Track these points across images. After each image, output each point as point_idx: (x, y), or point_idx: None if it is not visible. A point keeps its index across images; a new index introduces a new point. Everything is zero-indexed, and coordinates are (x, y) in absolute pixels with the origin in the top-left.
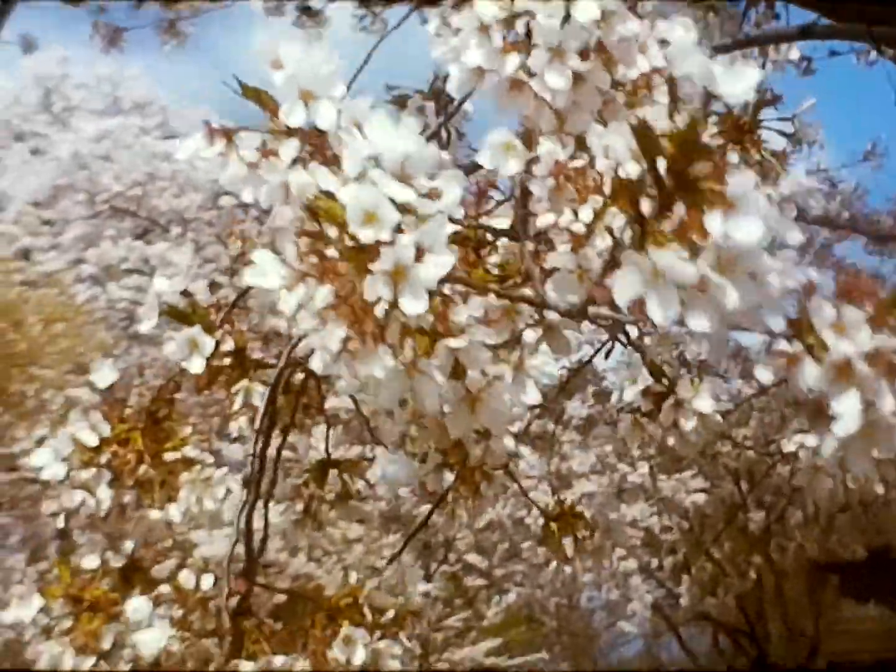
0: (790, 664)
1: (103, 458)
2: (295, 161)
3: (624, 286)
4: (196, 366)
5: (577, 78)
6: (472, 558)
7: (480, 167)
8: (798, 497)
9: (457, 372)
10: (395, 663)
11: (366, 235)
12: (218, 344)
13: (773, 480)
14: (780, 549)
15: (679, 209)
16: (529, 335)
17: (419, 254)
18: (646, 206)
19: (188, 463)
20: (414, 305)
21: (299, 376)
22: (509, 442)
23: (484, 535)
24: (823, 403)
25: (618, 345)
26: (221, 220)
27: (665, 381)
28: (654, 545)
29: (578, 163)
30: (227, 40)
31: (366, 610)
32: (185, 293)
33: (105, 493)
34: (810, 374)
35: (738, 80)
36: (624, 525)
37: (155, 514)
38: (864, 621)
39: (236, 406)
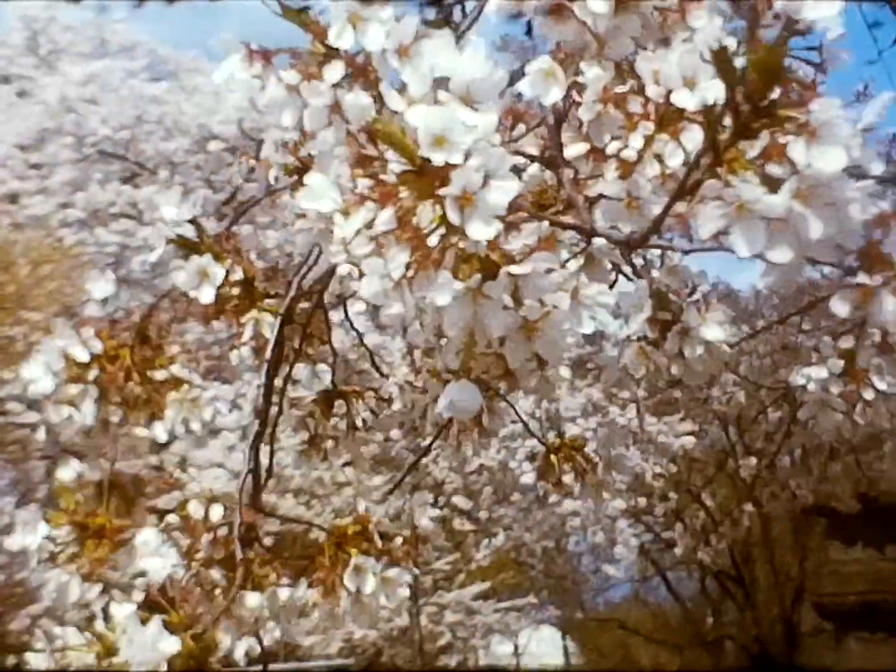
0: (776, 607)
1: (91, 375)
2: (336, 85)
3: (708, 219)
4: (206, 295)
5: (619, 2)
6: (461, 501)
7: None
8: (788, 444)
9: (514, 300)
10: (404, 591)
11: (437, 158)
12: (227, 273)
13: (764, 427)
14: (772, 496)
15: (760, 137)
16: (572, 266)
17: (485, 179)
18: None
19: (176, 382)
20: (483, 231)
21: (305, 306)
22: (565, 371)
23: (472, 478)
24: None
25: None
26: (209, 165)
27: (671, 309)
28: (642, 489)
29: (625, 89)
30: None
31: (375, 537)
32: (194, 222)
33: (90, 409)
34: (888, 307)
35: (823, 5)
36: (624, 461)
37: (140, 433)
38: (851, 563)
39: (246, 336)
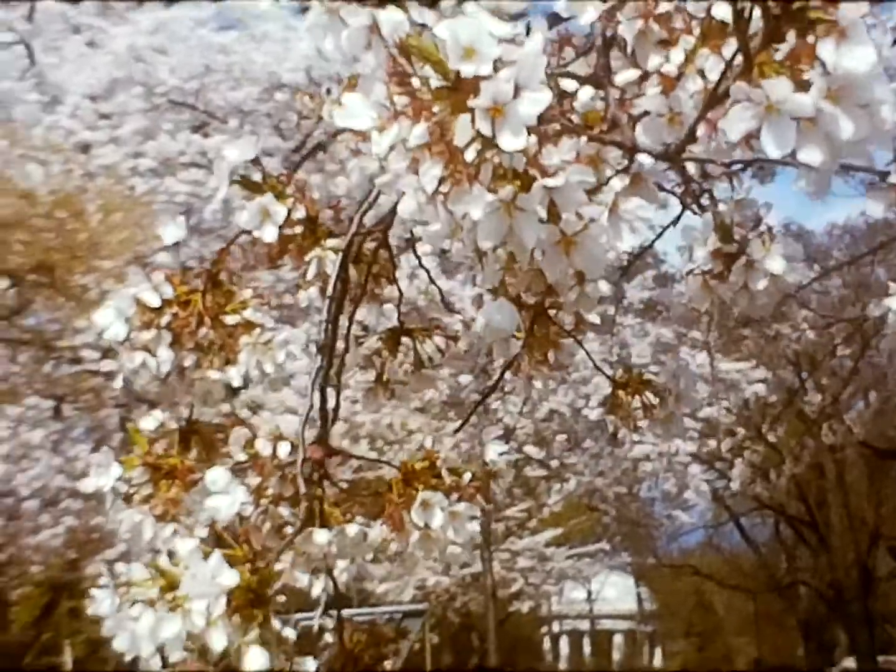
0: (851, 553)
1: (164, 320)
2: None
3: (737, 120)
4: (269, 234)
5: None
6: (532, 449)
7: (559, 18)
8: (855, 380)
9: (551, 215)
10: (474, 525)
11: (466, 70)
12: (289, 212)
13: (831, 363)
14: (831, 431)
15: (788, 38)
16: (616, 184)
17: (516, 90)
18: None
19: (248, 326)
20: (513, 142)
21: (370, 245)
22: (604, 286)
23: (543, 424)
24: None
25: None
26: (278, 113)
27: (735, 242)
28: (713, 433)
29: (666, 5)
30: None
31: (443, 473)
32: (256, 162)
33: (165, 354)
34: None
35: None
36: (693, 394)
37: (213, 376)
38: None
39: (310, 275)
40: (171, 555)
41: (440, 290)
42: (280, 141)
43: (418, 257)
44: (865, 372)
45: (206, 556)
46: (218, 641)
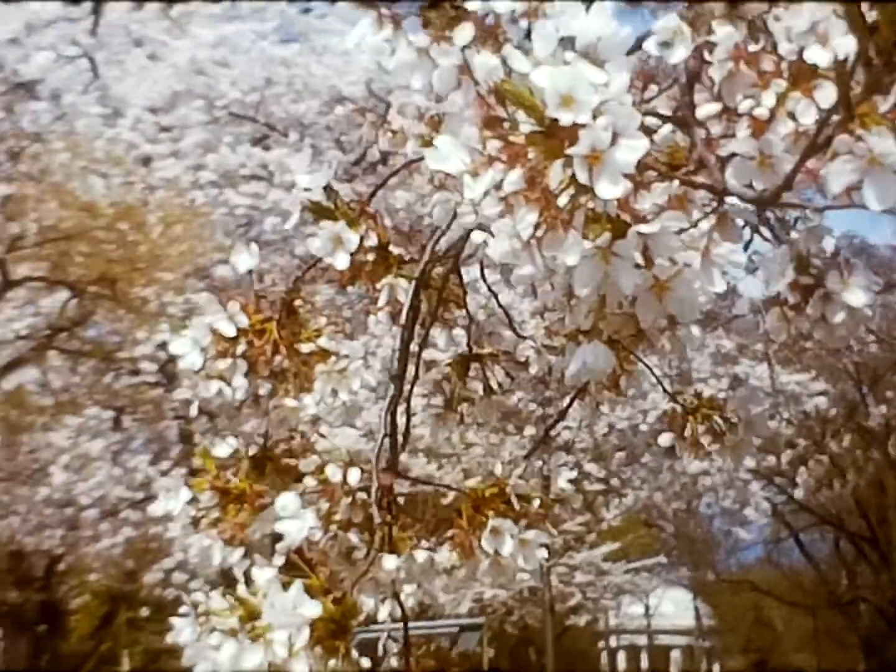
0: None
1: (239, 349)
2: (465, 47)
3: (839, 173)
4: (341, 261)
5: None
6: (591, 466)
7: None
8: None
9: (645, 260)
10: (541, 552)
11: (565, 118)
12: (362, 239)
13: (893, 377)
14: None
15: (893, 91)
16: (703, 226)
17: (613, 137)
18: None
19: (323, 354)
20: (611, 190)
21: (440, 271)
22: (696, 330)
23: (602, 439)
24: None
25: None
26: (339, 126)
27: (812, 273)
28: (774, 451)
29: (756, 48)
30: None
31: (513, 499)
32: (328, 188)
33: (240, 383)
34: None
35: None
36: (764, 421)
37: (289, 404)
38: None
39: (381, 301)
40: (247, 582)
41: (507, 313)
42: (340, 154)
43: (484, 279)
44: None
45: (285, 585)
46: None
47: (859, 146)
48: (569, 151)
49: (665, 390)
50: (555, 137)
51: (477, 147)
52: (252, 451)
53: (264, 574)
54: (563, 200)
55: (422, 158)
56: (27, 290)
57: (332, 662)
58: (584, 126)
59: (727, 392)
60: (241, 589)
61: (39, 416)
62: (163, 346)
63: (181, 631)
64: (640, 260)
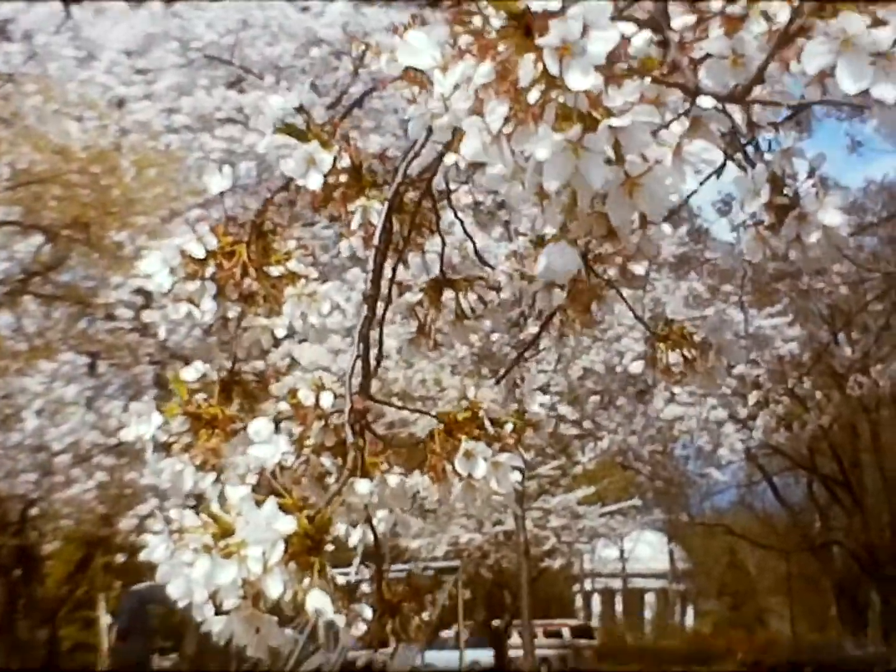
0: (885, 513)
1: (208, 271)
2: None
3: (813, 54)
4: (314, 182)
5: None
6: (565, 410)
7: None
8: (885, 336)
9: (615, 156)
10: (515, 476)
11: (535, 5)
12: (335, 161)
13: (863, 319)
14: (857, 384)
15: None
16: (675, 128)
17: (584, 29)
18: None
19: (293, 277)
20: (581, 81)
21: (413, 196)
22: (667, 228)
23: (577, 382)
24: None
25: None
26: (315, 69)
27: (788, 194)
28: (744, 393)
29: None
30: None
31: (486, 423)
32: (301, 109)
33: (209, 305)
34: None
35: None
36: (734, 347)
37: (261, 322)
38: None
39: (354, 224)
40: (221, 502)
41: (474, 244)
42: (315, 97)
43: (453, 209)
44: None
45: (259, 503)
46: (274, 588)
47: (833, 27)
48: (539, 42)
49: (636, 315)
50: (525, 30)
51: (448, 42)
52: (220, 374)
53: (238, 492)
54: (533, 95)
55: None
56: (1, 234)
57: (306, 579)
58: (554, 16)
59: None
60: (214, 506)
61: (13, 362)
62: (139, 291)
63: (154, 548)
64: (610, 154)
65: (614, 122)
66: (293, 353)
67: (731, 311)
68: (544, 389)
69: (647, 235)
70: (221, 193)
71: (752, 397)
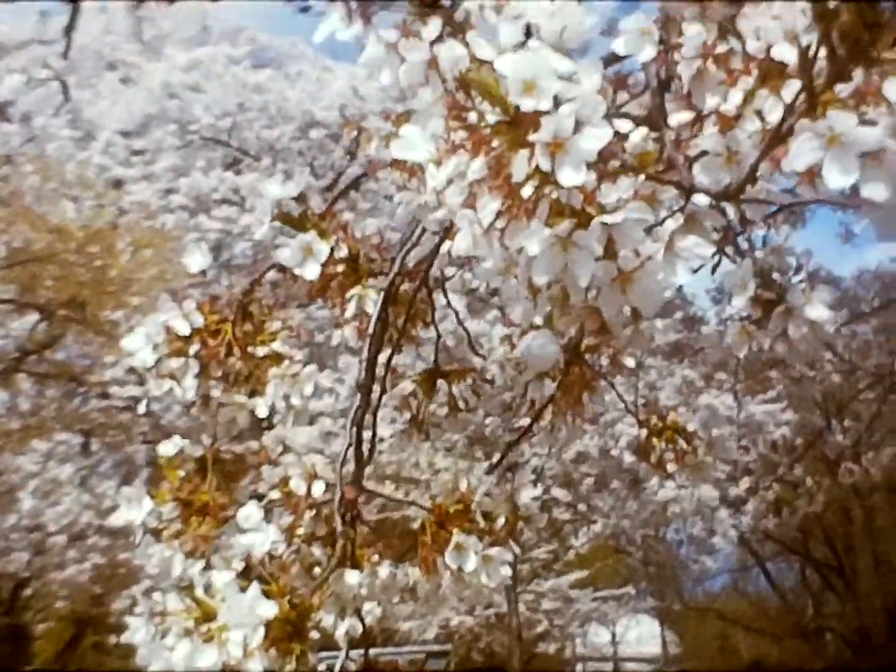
0: (878, 598)
1: (192, 349)
2: (433, 43)
3: (801, 152)
4: (311, 272)
5: None
6: (559, 492)
7: (616, 58)
8: (877, 424)
9: (608, 252)
10: (505, 570)
11: (526, 105)
12: (332, 250)
13: (855, 407)
14: (848, 472)
15: (856, 76)
16: (669, 224)
17: (577, 126)
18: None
19: (277, 358)
20: (572, 177)
21: (408, 287)
22: (658, 324)
23: (572, 466)
24: None
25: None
26: (312, 151)
27: (775, 289)
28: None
29: (724, 47)
30: None
31: (477, 516)
32: (300, 198)
33: (191, 383)
34: None
35: None
36: (725, 443)
37: (239, 400)
38: None
39: (349, 313)
40: (206, 588)
41: (467, 331)
42: (313, 179)
43: (447, 298)
44: (889, 416)
45: (243, 589)
46: None
47: (820, 125)
48: (531, 138)
49: (629, 410)
50: (518, 126)
51: (442, 136)
52: (198, 452)
53: (223, 577)
54: (527, 191)
55: (386, 165)
56: None
57: (288, 665)
58: (546, 113)
59: (693, 412)
60: (198, 591)
61: (7, 441)
62: (133, 370)
63: (135, 630)
64: (599, 251)
65: (607, 218)
66: (285, 438)
67: (724, 398)
68: (538, 472)
69: (640, 330)
70: (204, 272)
71: (744, 483)
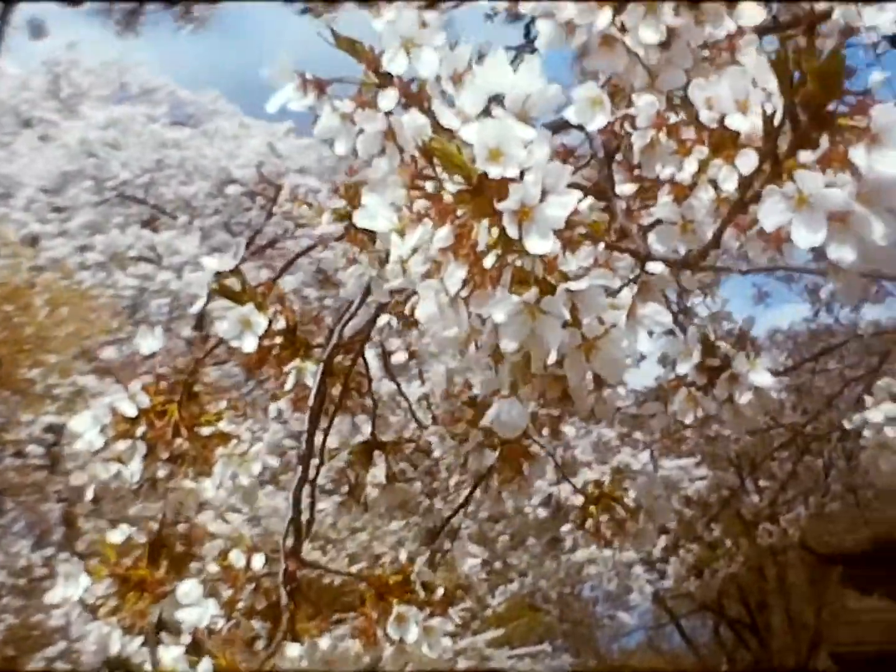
0: (791, 656)
1: (139, 431)
2: (389, 113)
3: (770, 212)
4: (249, 344)
5: (670, 33)
6: (475, 549)
7: (565, 125)
8: (793, 484)
9: (572, 319)
10: (446, 641)
11: (493, 172)
12: (270, 323)
13: (770, 466)
14: (767, 533)
15: (822, 142)
16: (625, 293)
17: (543, 194)
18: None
19: (224, 437)
20: (540, 245)
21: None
22: (622, 391)
23: (488, 524)
24: None
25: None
26: (228, 209)
27: (720, 355)
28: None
29: (675, 119)
30: (237, 21)
31: (418, 588)
32: (236, 271)
33: (138, 466)
34: None
35: (881, 12)
36: (665, 508)
37: (187, 486)
38: (868, 612)
39: (288, 385)
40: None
41: (409, 403)
42: (229, 237)
43: (387, 366)
44: (804, 476)
45: (192, 664)
46: None
47: (788, 187)
48: (499, 206)
49: (568, 480)
50: (483, 195)
51: (405, 205)
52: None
53: (171, 652)
54: (489, 260)
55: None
56: None
57: None
58: (512, 182)
59: (609, 477)
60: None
61: None
62: (49, 428)
63: None
64: (567, 317)
65: (572, 285)
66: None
67: (640, 455)
68: (455, 532)
69: (603, 397)
70: (153, 355)
71: (661, 542)
